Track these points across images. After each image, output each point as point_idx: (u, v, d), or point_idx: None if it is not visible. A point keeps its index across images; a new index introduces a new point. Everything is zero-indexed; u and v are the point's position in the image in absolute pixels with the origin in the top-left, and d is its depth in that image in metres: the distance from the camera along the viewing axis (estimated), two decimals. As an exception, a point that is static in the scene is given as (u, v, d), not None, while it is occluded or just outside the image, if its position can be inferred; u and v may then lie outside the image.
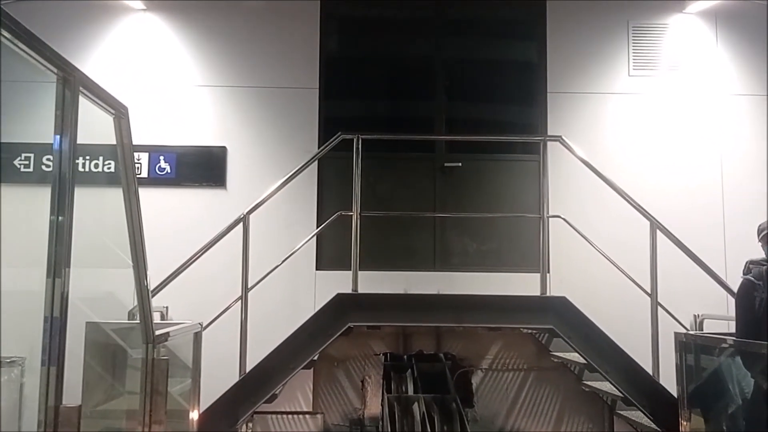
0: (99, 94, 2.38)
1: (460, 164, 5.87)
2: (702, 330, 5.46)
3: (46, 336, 1.92)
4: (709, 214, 5.85)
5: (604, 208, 5.50)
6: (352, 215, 4.54)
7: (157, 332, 3.50)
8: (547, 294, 4.58)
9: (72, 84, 2.07)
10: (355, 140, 4.53)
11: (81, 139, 2.25)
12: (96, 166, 5.67)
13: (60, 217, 2.00)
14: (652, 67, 6.05)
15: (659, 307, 4.58)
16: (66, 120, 2.05)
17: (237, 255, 4.47)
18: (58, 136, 2.04)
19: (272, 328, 4.95)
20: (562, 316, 4.50)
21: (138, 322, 4.39)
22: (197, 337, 4.30)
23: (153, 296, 4.35)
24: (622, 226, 5.38)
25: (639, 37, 6.06)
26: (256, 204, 4.58)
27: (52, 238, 1.97)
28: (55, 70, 2.00)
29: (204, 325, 4.38)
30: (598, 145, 5.82)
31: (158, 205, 5.63)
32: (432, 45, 6.13)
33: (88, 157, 5.60)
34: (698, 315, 5.64)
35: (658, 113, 6.03)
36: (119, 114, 2.56)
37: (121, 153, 2.62)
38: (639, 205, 4.65)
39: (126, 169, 2.65)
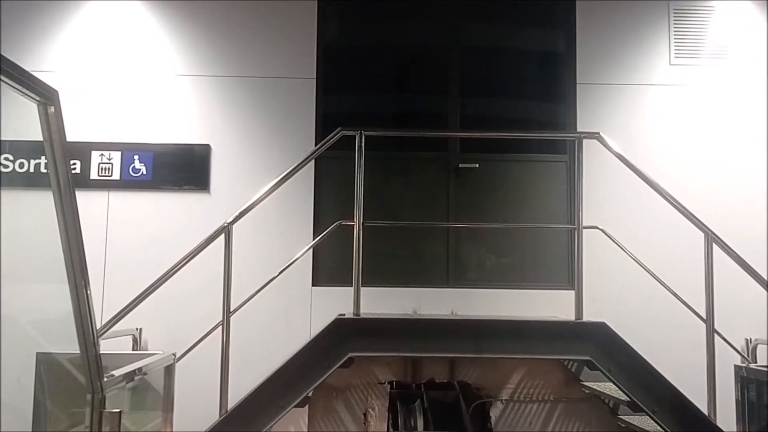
0: (16, 76, 1.84)
1: (476, 165, 5.46)
2: (756, 357, 5.01)
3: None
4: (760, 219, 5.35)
5: (644, 217, 5.14)
6: (353, 225, 4.06)
7: (114, 373, 2.97)
8: (583, 319, 4.05)
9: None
10: (357, 137, 4.08)
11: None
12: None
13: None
14: (696, 54, 5.58)
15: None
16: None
17: (222, 268, 4.03)
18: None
19: (261, 353, 4.82)
20: (601, 345, 4.02)
21: (104, 353, 3.84)
22: (169, 371, 3.81)
23: (123, 317, 4.01)
24: (665, 237, 5.03)
25: (681, 21, 5.59)
26: (241, 212, 4.10)
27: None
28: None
29: (179, 356, 3.99)
30: (634, 142, 5.34)
31: (131, 211, 5.28)
32: (445, 32, 5.71)
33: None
34: (750, 339, 5.14)
35: (703, 106, 5.55)
36: (46, 101, 2.02)
37: (50, 150, 2.08)
38: (692, 215, 4.13)
39: (57, 169, 2.11)
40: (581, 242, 4.09)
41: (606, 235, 4.38)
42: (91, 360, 2.39)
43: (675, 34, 5.58)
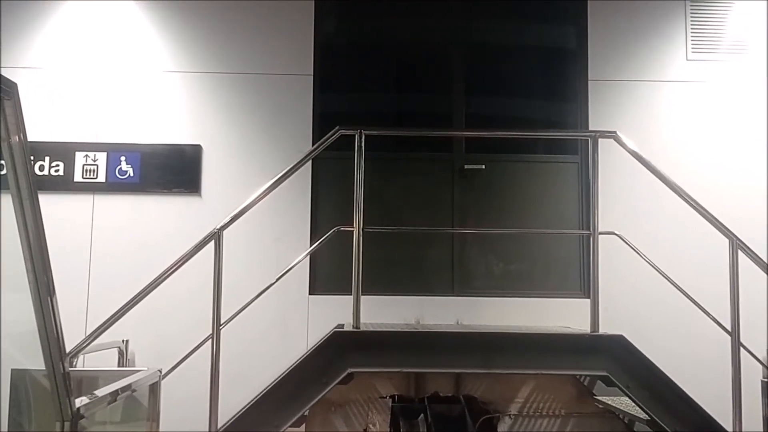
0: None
1: (482, 167, 5.31)
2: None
3: None
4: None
5: (662, 221, 5.02)
6: (353, 231, 3.87)
7: (97, 393, 2.76)
8: (599, 331, 3.84)
9: None
10: (356, 137, 3.90)
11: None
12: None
13: None
14: (714, 49, 5.41)
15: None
16: None
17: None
18: None
19: (255, 366, 4.77)
20: (619, 360, 3.81)
21: (86, 369, 3.64)
22: (154, 390, 3.58)
23: (107, 328, 3.80)
24: (685, 243, 4.91)
25: (699, 13, 5.43)
26: (233, 217, 3.88)
27: None
28: None
29: (168, 370, 3.78)
30: (649, 141, 5.19)
31: (118, 215, 5.12)
32: (450, 26, 5.53)
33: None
34: (773, 350, 4.92)
35: (723, 103, 5.38)
36: (3, 94, 1.80)
37: (6, 148, 1.86)
38: (715, 219, 3.92)
39: (17, 170, 1.90)
40: (597, 249, 3.89)
41: (623, 241, 4.20)
42: (59, 380, 2.17)
43: (692, 28, 5.42)
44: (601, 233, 3.93)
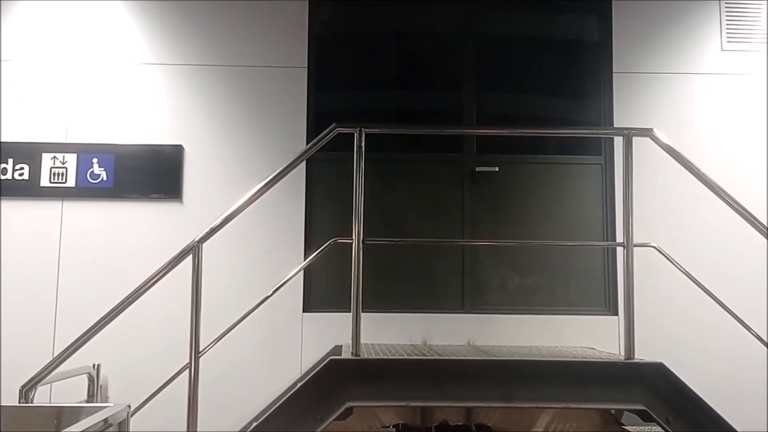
0: None
1: (496, 169, 5.16)
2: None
3: None
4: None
5: (699, 230, 4.90)
6: (352, 243, 3.55)
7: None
8: (635, 358, 3.49)
9: None
10: (356, 135, 3.61)
11: None
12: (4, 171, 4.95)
13: None
14: (751, 39, 5.24)
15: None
16: None
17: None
18: None
19: (241, 392, 4.81)
20: (657, 391, 3.46)
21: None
22: (123, 427, 3.20)
23: (75, 350, 3.50)
24: (726, 255, 4.77)
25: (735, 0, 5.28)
26: (213, 228, 3.55)
27: None
28: None
29: (136, 407, 3.49)
30: (680, 139, 4.91)
31: (89, 224, 4.93)
32: (459, 15, 5.39)
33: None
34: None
35: (761, 97, 5.18)
36: None
37: None
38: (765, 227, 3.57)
39: None
40: (632, 263, 3.52)
41: (662, 254, 3.94)
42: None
43: (727, 16, 5.27)
44: (636, 245, 3.57)
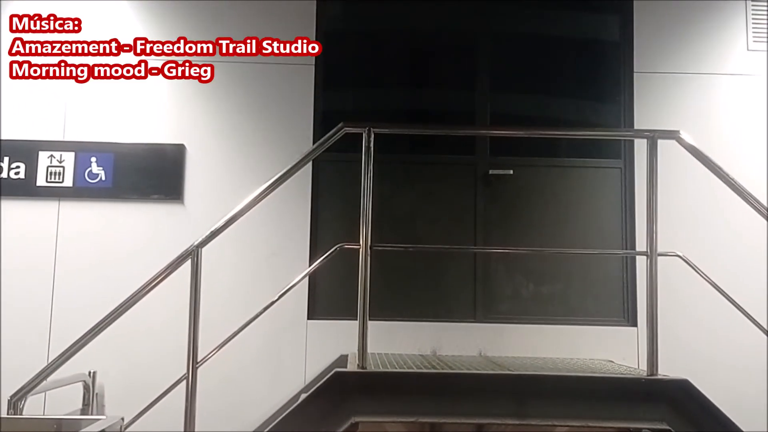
0: None
1: (510, 172, 5.06)
2: None
3: None
4: None
5: (726, 239, 4.77)
6: (359, 248, 3.45)
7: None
8: (658, 374, 3.36)
9: None
10: (364, 135, 3.52)
11: None
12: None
13: None
14: None
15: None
16: None
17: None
18: None
19: (243, 402, 4.63)
20: (681, 410, 3.33)
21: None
22: None
23: (70, 356, 3.43)
24: (752, 264, 4.65)
25: None
26: (213, 231, 3.46)
27: None
28: None
29: (129, 420, 3.39)
30: (704, 142, 4.72)
31: (87, 225, 4.86)
32: (473, 13, 5.31)
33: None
34: None
35: None
36: None
37: None
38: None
39: None
40: (656, 273, 3.40)
41: (689, 264, 3.78)
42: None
43: (754, 15, 5.15)
44: (660, 254, 3.45)
